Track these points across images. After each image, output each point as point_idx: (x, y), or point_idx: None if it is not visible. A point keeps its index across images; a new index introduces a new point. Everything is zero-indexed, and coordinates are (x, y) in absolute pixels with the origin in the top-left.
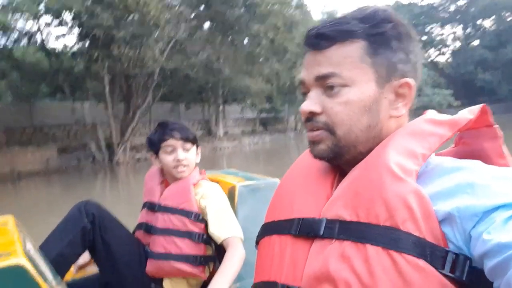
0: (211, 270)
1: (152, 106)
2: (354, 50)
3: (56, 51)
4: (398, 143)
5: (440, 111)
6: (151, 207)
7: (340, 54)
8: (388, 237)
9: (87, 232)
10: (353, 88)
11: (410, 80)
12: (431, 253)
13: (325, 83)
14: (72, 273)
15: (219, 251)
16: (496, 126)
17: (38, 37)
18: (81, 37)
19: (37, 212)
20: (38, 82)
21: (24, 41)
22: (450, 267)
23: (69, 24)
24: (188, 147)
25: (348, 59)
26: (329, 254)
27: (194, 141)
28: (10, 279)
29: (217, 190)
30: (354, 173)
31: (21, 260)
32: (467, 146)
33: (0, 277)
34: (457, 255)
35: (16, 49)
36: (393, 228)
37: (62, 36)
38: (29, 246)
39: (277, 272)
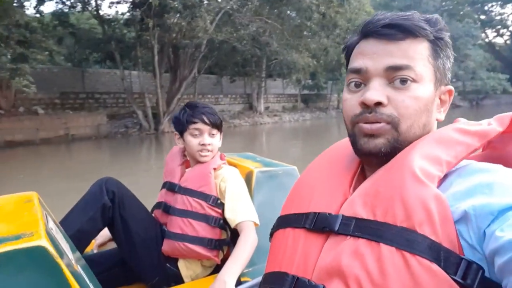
0: (224, 253)
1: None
2: (424, 48)
3: (109, 17)
4: (425, 148)
5: (494, 96)
6: (171, 187)
7: (414, 49)
8: (404, 238)
9: (107, 209)
10: (421, 85)
11: (452, 88)
12: (445, 258)
13: (396, 74)
14: (92, 248)
15: (234, 235)
16: None
17: (92, 3)
18: (134, 5)
19: (87, 171)
20: (92, 49)
21: (79, 7)
22: (462, 274)
23: None
24: (214, 132)
25: (420, 56)
26: (343, 250)
27: (220, 127)
28: (32, 260)
29: (236, 174)
30: (378, 174)
31: (42, 241)
32: (496, 150)
33: (22, 258)
34: (470, 263)
35: (71, 15)
36: (409, 229)
37: (115, 4)
38: (51, 224)
39: (289, 263)
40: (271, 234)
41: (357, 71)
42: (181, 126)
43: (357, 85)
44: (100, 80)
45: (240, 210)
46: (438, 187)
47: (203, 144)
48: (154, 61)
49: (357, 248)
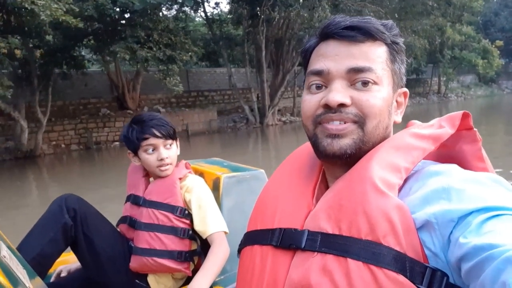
0: (195, 264)
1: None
2: (382, 52)
3: (218, 18)
4: (383, 156)
5: None
6: (135, 200)
7: (374, 52)
8: (369, 252)
9: (69, 228)
10: (381, 87)
11: (407, 90)
12: (411, 268)
13: (357, 77)
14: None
15: (205, 244)
16: (475, 130)
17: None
18: (244, 1)
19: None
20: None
21: (189, 11)
22: (428, 283)
23: None
24: (170, 143)
25: (379, 59)
26: (311, 267)
27: (174, 136)
28: None
29: (201, 184)
30: (339, 185)
31: None
32: (447, 148)
33: None
34: (434, 271)
35: (184, 19)
36: (374, 242)
37: (222, 3)
38: (4, 251)
39: (258, 283)
40: (239, 251)
41: (319, 73)
42: (132, 145)
43: (318, 87)
44: (202, 78)
45: (210, 221)
46: (398, 193)
47: (161, 159)
48: (261, 56)
49: (325, 264)
